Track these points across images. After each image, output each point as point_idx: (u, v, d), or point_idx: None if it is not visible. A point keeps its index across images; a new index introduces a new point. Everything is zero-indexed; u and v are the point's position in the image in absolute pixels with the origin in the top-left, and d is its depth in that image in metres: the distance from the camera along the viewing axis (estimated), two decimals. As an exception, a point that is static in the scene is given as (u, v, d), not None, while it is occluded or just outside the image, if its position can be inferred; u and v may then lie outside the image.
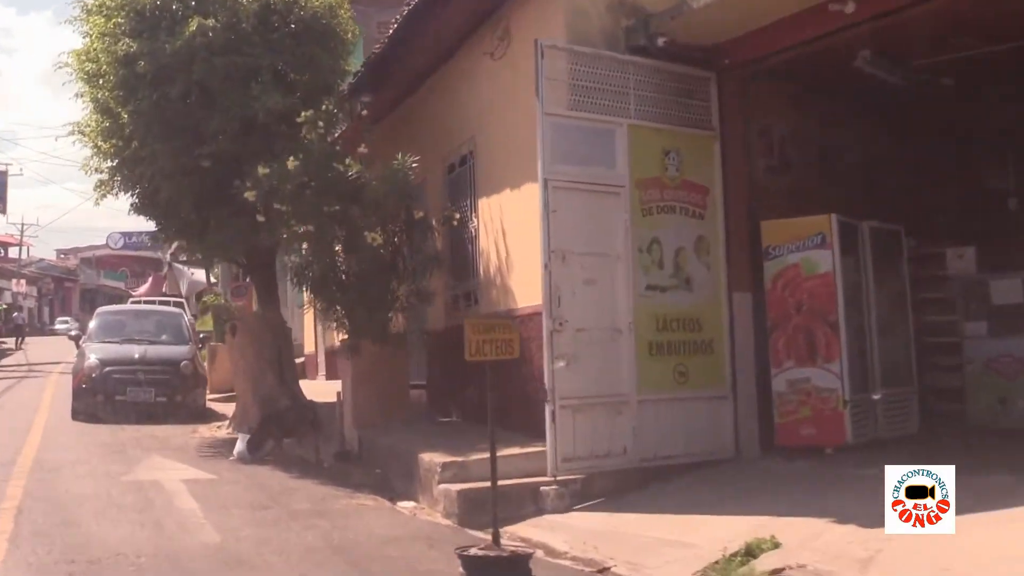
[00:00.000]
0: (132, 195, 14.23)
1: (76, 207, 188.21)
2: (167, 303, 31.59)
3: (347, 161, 11.44)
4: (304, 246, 12.39)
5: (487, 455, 9.41)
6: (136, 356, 15.88)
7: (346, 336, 12.31)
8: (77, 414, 15.56)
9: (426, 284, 12.05)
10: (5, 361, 34.71)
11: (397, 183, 11.30)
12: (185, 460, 11.51)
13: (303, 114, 11.70)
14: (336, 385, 18.17)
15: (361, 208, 11.51)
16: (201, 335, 18.03)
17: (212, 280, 46.97)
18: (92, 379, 15.49)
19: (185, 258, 56.15)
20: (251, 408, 14.34)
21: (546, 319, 9.09)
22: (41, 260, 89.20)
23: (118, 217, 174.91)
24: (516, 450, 9.52)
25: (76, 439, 13.39)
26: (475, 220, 11.91)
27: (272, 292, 15.26)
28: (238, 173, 12.41)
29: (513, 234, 10.83)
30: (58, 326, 75.13)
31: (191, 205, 13.26)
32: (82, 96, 13.91)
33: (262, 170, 11.32)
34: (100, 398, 15.42)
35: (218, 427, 14.96)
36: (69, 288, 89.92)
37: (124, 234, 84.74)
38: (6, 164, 33.36)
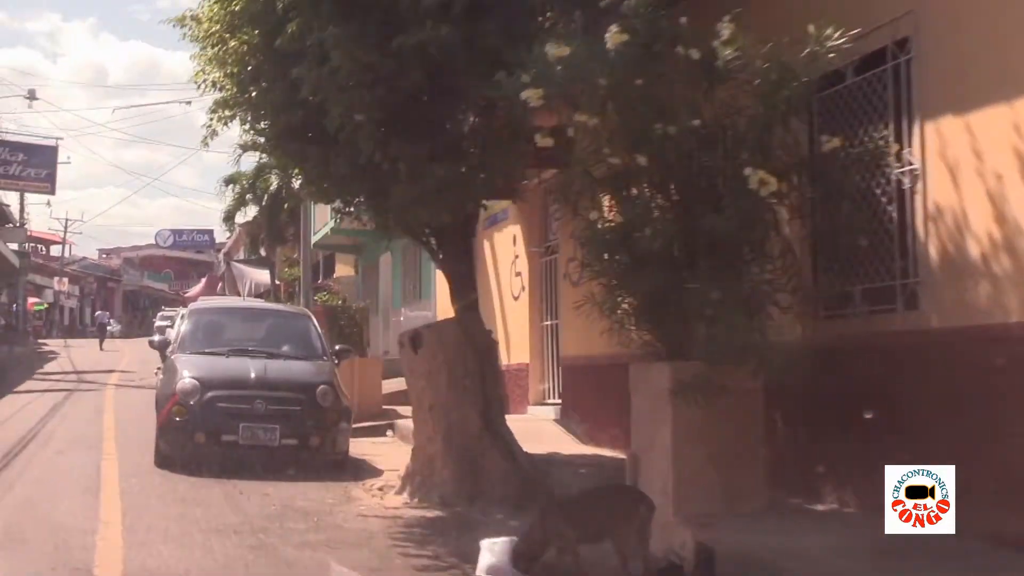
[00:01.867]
0: (268, 122, 9.16)
1: (120, 201, 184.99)
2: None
3: (719, 38, 6.18)
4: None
5: None
6: (252, 376, 10.63)
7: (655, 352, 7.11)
8: (164, 459, 10.44)
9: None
10: (49, 367, 29.77)
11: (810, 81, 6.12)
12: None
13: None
14: (521, 423, 12.73)
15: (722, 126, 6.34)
16: (337, 347, 12.60)
17: (277, 282, 42.08)
18: (189, 409, 10.29)
19: (243, 256, 51.61)
20: (441, 462, 9.20)
21: None
22: (83, 259, 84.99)
23: (156, 219, 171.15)
24: None
25: (176, 513, 8.21)
26: (912, 160, 6.68)
27: (470, 285, 10.04)
28: (452, 88, 7.40)
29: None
30: (100, 327, 70.61)
31: (374, 138, 8.11)
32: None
33: (556, 50, 6.13)
34: (200, 437, 10.23)
35: (380, 489, 9.77)
36: (112, 288, 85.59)
37: (174, 231, 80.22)
38: (56, 139, 28.74)
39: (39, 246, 70.45)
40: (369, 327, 20.88)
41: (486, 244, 14.84)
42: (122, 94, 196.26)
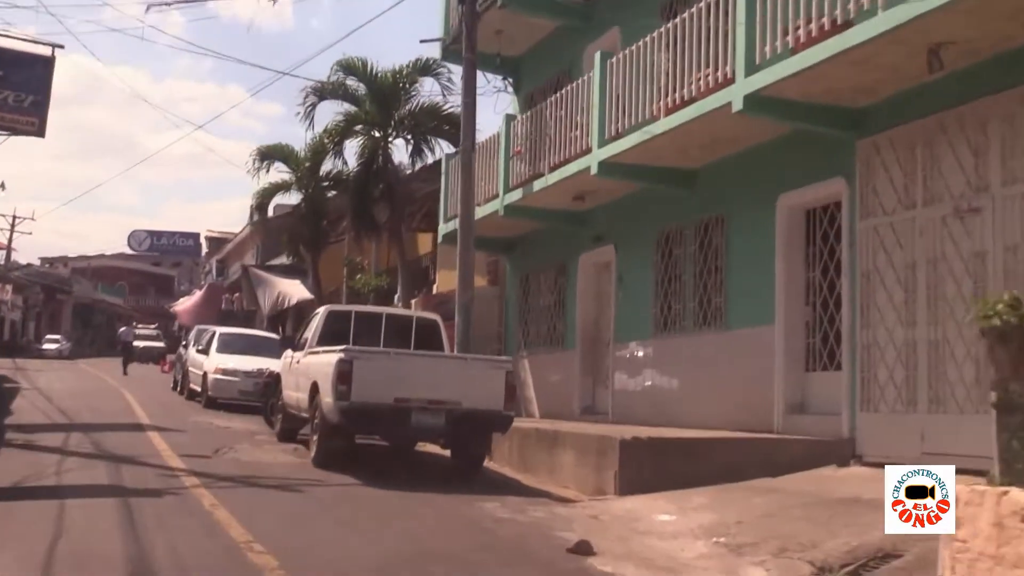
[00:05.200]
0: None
1: (81, 195, 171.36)
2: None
3: None
4: None
5: None
6: None
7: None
8: None
9: None
10: (19, 410, 18.47)
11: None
12: None
13: None
14: None
15: None
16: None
17: (312, 289, 31.22)
18: None
19: (254, 260, 40.43)
20: None
21: None
22: (28, 266, 72.86)
23: (90, 235, 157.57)
24: None
25: None
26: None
27: None
28: None
29: None
30: (46, 346, 58.59)
31: None
32: None
33: None
34: None
35: None
36: (61, 301, 73.38)
37: (151, 233, 68.25)
38: (53, 46, 17.51)
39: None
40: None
41: None
42: (62, 105, 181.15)
